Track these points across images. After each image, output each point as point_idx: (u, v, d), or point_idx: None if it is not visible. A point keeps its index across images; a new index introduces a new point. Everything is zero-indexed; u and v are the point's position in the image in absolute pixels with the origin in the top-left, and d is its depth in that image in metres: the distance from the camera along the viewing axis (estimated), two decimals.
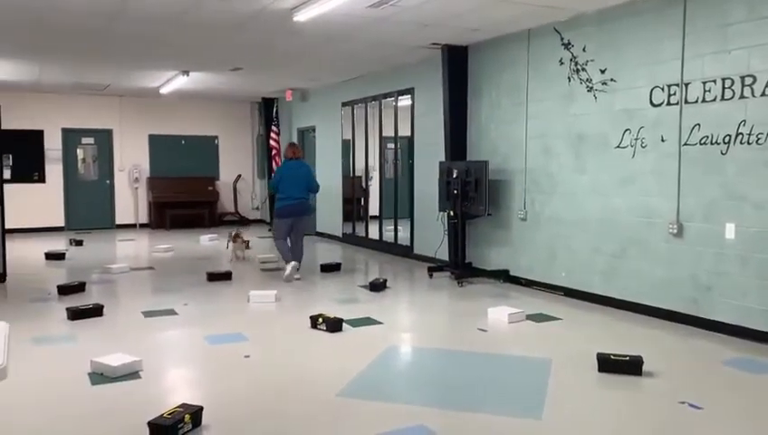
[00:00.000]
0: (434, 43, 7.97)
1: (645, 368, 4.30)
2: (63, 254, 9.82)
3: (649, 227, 5.91)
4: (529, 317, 5.91)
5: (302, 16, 6.41)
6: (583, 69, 6.54)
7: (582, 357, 4.62)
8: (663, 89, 5.72)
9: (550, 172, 7.04)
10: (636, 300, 6.06)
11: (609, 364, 4.35)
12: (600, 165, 6.43)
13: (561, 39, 6.78)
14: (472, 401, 3.88)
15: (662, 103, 5.74)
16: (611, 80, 6.25)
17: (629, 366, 4.30)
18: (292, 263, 7.78)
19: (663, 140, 5.75)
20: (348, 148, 11.55)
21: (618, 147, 6.20)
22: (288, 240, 8.03)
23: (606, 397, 4.02)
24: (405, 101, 9.75)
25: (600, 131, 6.41)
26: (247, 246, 10.07)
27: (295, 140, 13.85)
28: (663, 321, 5.72)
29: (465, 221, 7.89)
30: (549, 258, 7.08)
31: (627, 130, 6.09)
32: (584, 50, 6.52)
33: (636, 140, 6.01)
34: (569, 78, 6.73)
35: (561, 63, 6.80)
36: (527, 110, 7.31)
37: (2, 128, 7.50)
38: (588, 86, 6.50)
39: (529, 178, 7.32)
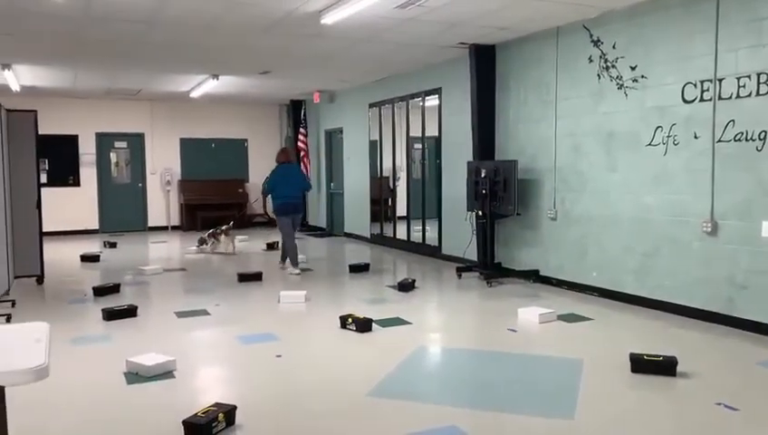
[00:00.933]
0: (461, 43, 7.95)
1: (679, 368, 4.23)
2: (98, 256, 10.03)
3: (682, 225, 5.82)
4: (560, 317, 5.86)
5: (329, 19, 6.45)
6: (613, 66, 6.47)
7: (615, 357, 4.57)
8: (695, 85, 5.63)
9: (580, 171, 6.97)
10: (669, 299, 5.97)
11: (642, 365, 4.29)
12: (631, 163, 6.35)
13: (591, 36, 6.71)
14: (503, 402, 3.87)
15: (695, 100, 5.65)
16: (642, 77, 6.16)
17: (663, 367, 4.25)
18: (298, 264, 8.65)
19: (696, 137, 5.65)
20: (375, 149, 11.59)
21: (649, 144, 6.12)
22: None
23: (639, 398, 3.97)
24: (432, 101, 9.75)
25: (630, 129, 6.33)
26: (225, 234, 10.67)
27: (323, 141, 13.96)
28: (697, 321, 5.63)
29: (493, 221, 7.86)
30: (579, 258, 7.01)
31: (658, 127, 6.01)
32: (614, 47, 6.45)
33: (668, 137, 5.92)
34: (598, 75, 6.66)
35: (591, 61, 6.73)
36: (556, 108, 7.25)
37: (39, 133, 7.68)
38: (618, 83, 6.43)
39: (558, 176, 7.26)
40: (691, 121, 5.70)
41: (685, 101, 5.74)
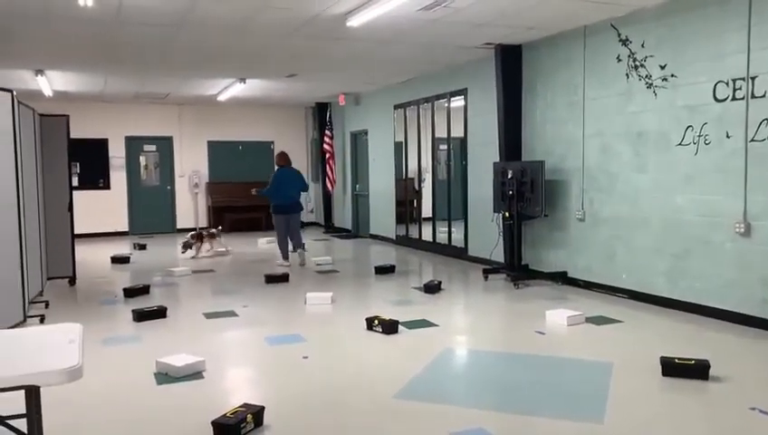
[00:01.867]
0: (487, 43, 7.91)
1: (711, 372, 4.16)
2: (128, 257, 10.18)
3: (714, 226, 5.71)
4: (588, 320, 5.79)
5: (355, 21, 6.47)
6: (642, 65, 6.38)
7: (645, 361, 4.51)
8: (728, 83, 5.52)
9: (608, 171, 6.89)
10: (701, 302, 5.86)
11: (673, 368, 4.22)
12: (661, 163, 6.25)
13: (619, 35, 6.63)
14: (531, 405, 3.83)
15: (727, 98, 5.54)
16: (672, 75, 6.07)
17: (695, 370, 4.17)
18: (299, 251, 9.43)
19: (728, 137, 5.54)
20: (400, 150, 11.59)
21: (679, 144, 6.02)
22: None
23: (671, 402, 3.90)
24: (457, 102, 9.71)
25: (660, 129, 6.23)
26: (215, 236, 10.53)
27: (348, 143, 14.00)
28: (730, 323, 5.52)
29: (520, 222, 7.80)
30: (608, 259, 6.92)
31: (689, 126, 5.91)
32: (643, 45, 6.36)
33: (699, 136, 5.81)
34: (627, 75, 6.57)
35: (619, 60, 6.64)
36: (584, 108, 7.18)
37: (70, 137, 7.84)
38: (647, 82, 6.34)
39: (587, 177, 7.18)
40: (723, 121, 5.59)
41: (716, 99, 5.63)
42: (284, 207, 9.46)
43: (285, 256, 9.46)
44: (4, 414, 2.32)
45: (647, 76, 6.34)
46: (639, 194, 6.51)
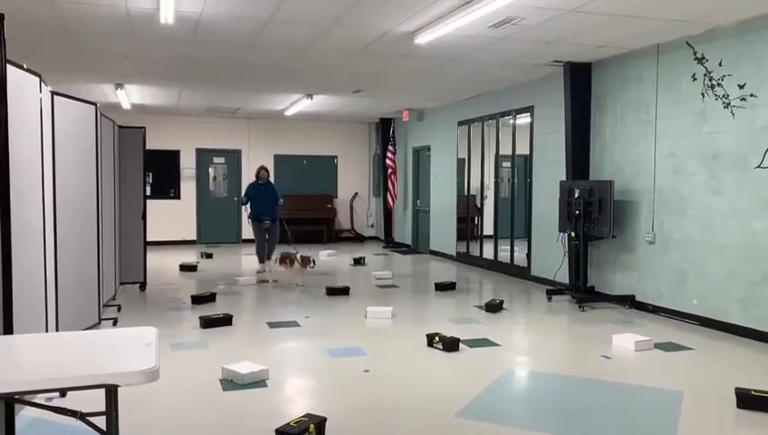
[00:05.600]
0: (555, 61, 7.83)
1: None
2: (196, 266, 10.49)
3: None
4: (657, 346, 5.60)
5: (422, 39, 6.53)
6: (719, 84, 6.17)
7: (718, 391, 4.32)
8: None
9: (681, 193, 6.66)
10: None
11: (749, 400, 4.03)
12: (737, 186, 6.00)
13: (695, 53, 6.44)
14: (595, 431, 3.73)
15: None
16: (751, 95, 5.84)
17: None
18: (267, 261, 9.85)
19: None
20: (462, 167, 11.55)
21: (759, 167, 5.77)
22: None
23: None
24: (523, 120, 9.62)
25: (737, 150, 6.00)
26: (309, 264, 8.81)
27: (410, 159, 14.06)
28: None
29: (587, 243, 7.63)
30: (679, 284, 6.68)
31: None
32: (720, 64, 6.15)
33: None
34: (702, 94, 6.36)
35: (694, 79, 6.45)
36: (656, 127, 6.99)
37: (146, 148, 8.18)
38: (724, 102, 6.12)
39: (658, 198, 6.97)
40: None
41: None
42: (260, 214, 9.99)
43: (261, 261, 10.07)
44: (79, 411, 2.42)
45: (724, 96, 6.12)
46: (713, 217, 6.27)
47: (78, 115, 5.47)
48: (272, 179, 15.13)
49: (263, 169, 10.28)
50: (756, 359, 5.30)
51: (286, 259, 8.88)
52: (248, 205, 10.16)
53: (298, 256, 8.91)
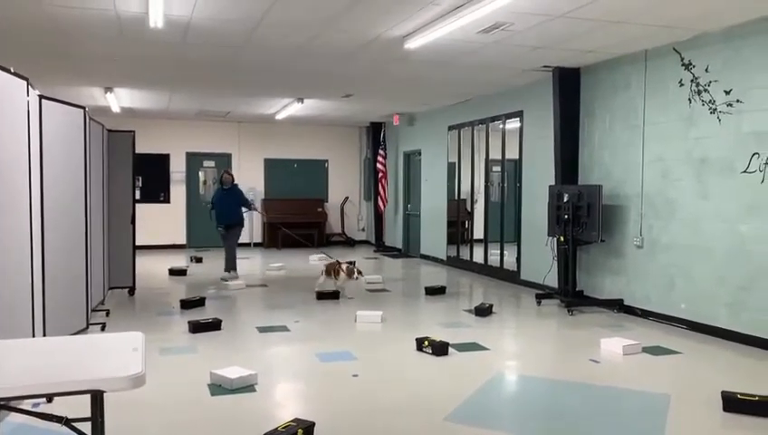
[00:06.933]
0: (545, 66, 7.87)
1: None
2: (185, 270, 10.46)
3: None
4: (645, 350, 5.63)
5: (413, 43, 6.55)
6: (705, 90, 6.23)
7: (705, 394, 4.35)
8: None
9: (669, 198, 6.72)
10: (765, 335, 5.62)
11: (735, 404, 4.05)
12: (724, 191, 6.06)
13: (682, 59, 6.50)
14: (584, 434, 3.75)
15: None
16: (738, 101, 5.90)
17: (759, 407, 3.99)
18: (228, 271, 9.83)
19: None
20: (453, 171, 11.58)
21: (744, 172, 5.83)
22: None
23: None
24: (513, 124, 9.67)
25: (724, 155, 6.05)
26: (355, 274, 8.29)
27: (401, 163, 14.08)
28: None
29: (576, 247, 7.66)
30: (667, 288, 6.72)
31: (755, 154, 5.72)
32: (707, 70, 6.21)
33: (766, 164, 5.62)
34: (689, 99, 6.42)
35: (681, 85, 6.51)
36: (644, 133, 7.04)
37: (135, 152, 8.14)
38: (711, 108, 6.18)
39: (645, 203, 7.02)
40: None
41: None
42: (218, 219, 9.97)
43: (227, 269, 9.93)
44: (65, 417, 2.40)
45: (710, 101, 6.18)
46: (701, 222, 6.32)
47: (66, 119, 5.44)
48: (262, 184, 14.90)
49: (225, 172, 10.25)
50: (742, 362, 5.35)
51: (331, 270, 8.36)
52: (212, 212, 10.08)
53: (343, 265, 8.35)
